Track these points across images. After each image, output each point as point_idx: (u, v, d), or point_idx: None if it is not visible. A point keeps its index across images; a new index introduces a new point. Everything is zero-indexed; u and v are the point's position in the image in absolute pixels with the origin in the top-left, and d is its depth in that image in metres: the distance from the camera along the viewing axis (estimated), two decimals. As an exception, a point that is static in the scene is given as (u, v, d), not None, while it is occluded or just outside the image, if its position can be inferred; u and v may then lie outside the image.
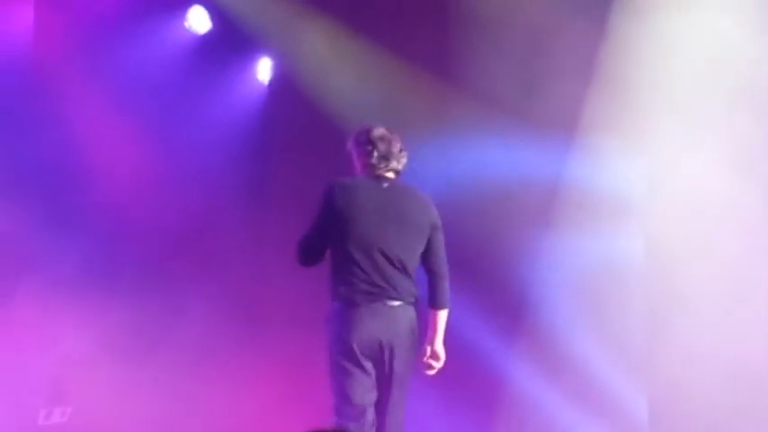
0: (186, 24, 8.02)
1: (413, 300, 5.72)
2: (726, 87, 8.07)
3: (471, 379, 7.99)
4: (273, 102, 8.51)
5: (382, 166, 5.85)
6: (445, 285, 5.79)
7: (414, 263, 5.74)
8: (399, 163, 5.89)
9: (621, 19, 8.22)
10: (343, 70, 8.28)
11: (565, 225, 8.79)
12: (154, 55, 7.89)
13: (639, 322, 8.70)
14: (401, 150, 5.91)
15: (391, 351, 5.66)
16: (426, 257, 5.79)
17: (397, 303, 5.66)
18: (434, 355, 5.72)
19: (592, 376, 8.69)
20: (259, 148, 8.40)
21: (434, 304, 5.79)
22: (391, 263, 5.70)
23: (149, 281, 7.51)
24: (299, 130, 8.38)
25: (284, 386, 7.69)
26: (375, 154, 5.85)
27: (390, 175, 5.86)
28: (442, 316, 5.77)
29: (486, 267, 8.07)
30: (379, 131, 5.92)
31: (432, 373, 5.76)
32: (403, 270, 5.71)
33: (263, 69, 8.42)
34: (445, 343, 5.79)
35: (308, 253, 5.75)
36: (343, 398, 5.67)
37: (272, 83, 8.47)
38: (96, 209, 7.54)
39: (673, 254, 8.41)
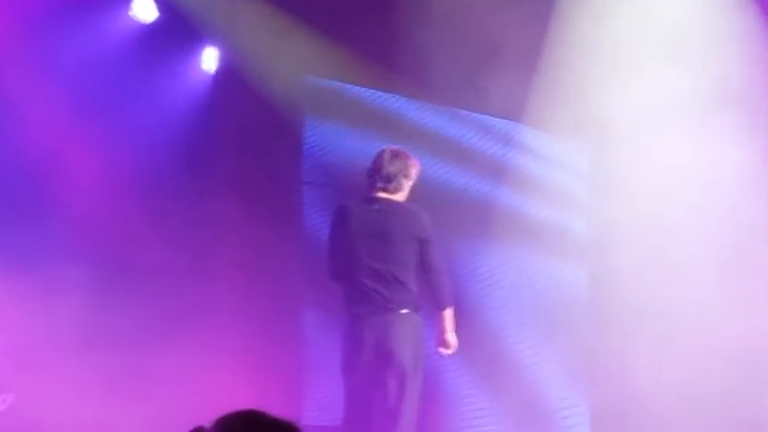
0: (131, 13, 7.91)
1: (411, 307, 6.32)
2: (671, 74, 8.19)
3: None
4: (219, 91, 8.42)
5: (373, 185, 6.44)
6: (438, 291, 6.39)
7: (406, 274, 6.31)
8: (392, 183, 6.42)
9: (568, 9, 8.33)
10: (288, 59, 8.26)
11: (505, 230, 8.90)
12: (98, 45, 7.76)
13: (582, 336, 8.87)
14: (401, 170, 6.44)
15: (391, 356, 6.25)
16: (418, 267, 6.38)
17: (393, 312, 6.28)
18: (443, 343, 6.47)
19: (533, 385, 8.83)
20: (204, 137, 8.29)
21: (433, 307, 6.47)
22: (382, 276, 6.28)
23: (95, 275, 7.46)
24: (245, 118, 8.33)
25: (225, 379, 7.68)
26: (369, 174, 6.49)
27: (381, 194, 6.40)
28: (444, 315, 6.43)
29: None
30: (381, 152, 6.55)
31: (446, 355, 6.58)
32: (395, 281, 6.28)
33: (209, 59, 8.35)
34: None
35: (328, 269, 6.55)
36: (348, 404, 6.41)
37: (217, 72, 8.40)
38: (40, 204, 7.49)
39: (616, 259, 8.54)
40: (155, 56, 7.96)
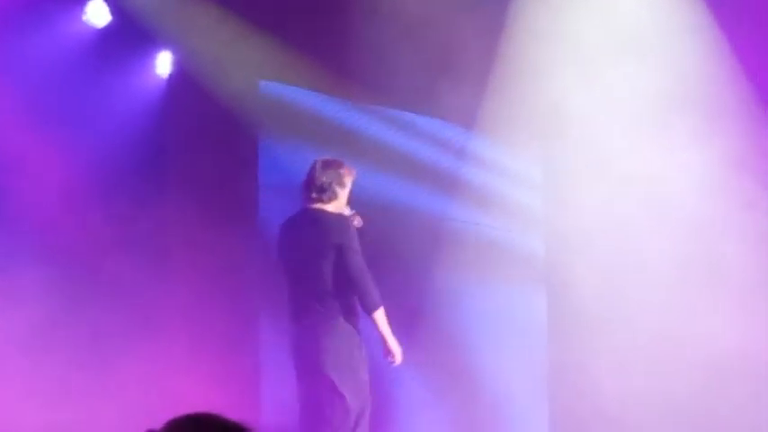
0: (84, 17, 7.91)
1: (339, 316, 6.44)
2: (627, 74, 8.28)
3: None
4: (173, 96, 8.41)
5: (308, 197, 6.59)
6: (361, 296, 6.42)
7: (330, 283, 6.43)
8: (326, 192, 6.54)
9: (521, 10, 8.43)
10: (241, 62, 8.30)
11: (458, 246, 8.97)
12: (52, 49, 7.76)
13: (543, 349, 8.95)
14: (334, 179, 6.55)
15: (322, 368, 6.43)
16: (340, 274, 6.42)
17: (321, 323, 6.43)
18: (386, 353, 6.50)
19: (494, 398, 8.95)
20: (160, 141, 8.29)
21: (364, 312, 6.52)
22: (309, 288, 6.46)
23: (52, 279, 7.44)
24: (199, 122, 8.33)
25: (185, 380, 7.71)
26: (304, 185, 6.65)
27: (316, 205, 6.55)
28: (375, 320, 6.44)
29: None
30: (314, 163, 6.67)
31: (395, 365, 6.58)
32: (322, 293, 6.43)
33: (163, 63, 8.35)
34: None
35: None
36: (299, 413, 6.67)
37: (171, 76, 8.39)
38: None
39: (574, 269, 8.59)
40: (109, 60, 7.95)
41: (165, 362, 7.50)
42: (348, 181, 6.64)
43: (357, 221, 6.75)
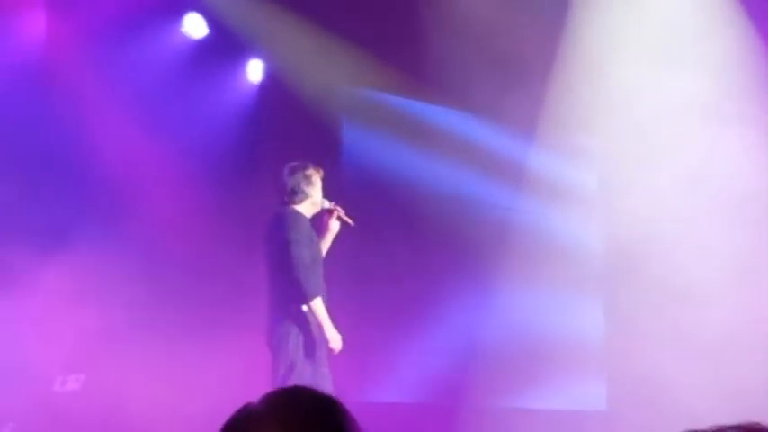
0: (182, 30, 8.49)
1: (289, 307, 6.56)
2: (679, 71, 8.47)
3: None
4: (264, 100, 8.97)
5: (282, 200, 6.80)
6: (297, 286, 6.52)
7: (280, 274, 6.60)
8: (297, 195, 6.75)
9: (579, 18, 8.74)
10: (325, 69, 8.76)
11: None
12: (153, 58, 8.36)
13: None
14: (301, 181, 6.77)
15: (274, 358, 6.63)
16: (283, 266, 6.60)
17: (274, 318, 6.62)
18: (326, 341, 6.55)
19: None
20: (251, 143, 8.79)
21: None
22: (270, 278, 6.72)
23: (154, 264, 8.01)
24: (285, 124, 8.81)
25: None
26: (277, 191, 6.85)
27: (289, 207, 6.74)
28: (311, 308, 6.55)
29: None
30: (282, 169, 6.86)
31: (335, 353, 6.57)
32: (277, 281, 6.65)
33: (254, 70, 8.85)
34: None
35: None
36: None
37: (262, 83, 8.92)
38: (103, 198, 8.09)
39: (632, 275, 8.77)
40: (206, 68, 8.53)
41: (255, 342, 7.99)
42: (316, 179, 6.86)
43: (337, 214, 6.96)
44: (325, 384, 6.54)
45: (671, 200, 8.62)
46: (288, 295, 6.60)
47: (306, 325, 6.64)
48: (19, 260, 7.62)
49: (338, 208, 6.97)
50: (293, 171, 6.86)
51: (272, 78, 8.88)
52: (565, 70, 8.81)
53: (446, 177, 9.12)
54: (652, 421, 7.87)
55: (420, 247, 9.05)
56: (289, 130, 8.77)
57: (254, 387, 3.10)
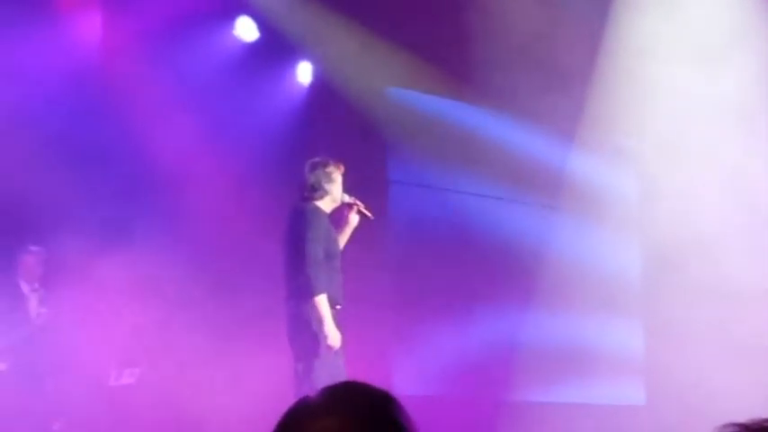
0: (235, 33, 8.73)
1: (299, 299, 6.63)
2: (711, 76, 8.56)
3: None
4: (313, 101, 9.20)
5: (303, 196, 6.85)
6: (305, 281, 6.58)
7: (293, 268, 6.71)
8: (317, 191, 6.81)
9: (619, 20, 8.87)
10: (372, 70, 8.96)
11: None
12: (205, 61, 8.62)
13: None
14: (322, 178, 6.82)
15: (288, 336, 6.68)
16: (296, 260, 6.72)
17: (289, 298, 6.69)
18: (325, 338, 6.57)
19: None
20: (300, 141, 8.93)
21: None
22: (285, 270, 6.79)
23: (208, 261, 8.27)
24: (334, 125, 9.01)
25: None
26: (299, 187, 6.87)
27: (310, 203, 6.81)
28: (315, 303, 6.56)
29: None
30: (305, 166, 6.91)
31: (334, 349, 6.55)
32: (290, 274, 6.74)
33: (304, 72, 9.08)
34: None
35: None
36: None
37: (312, 84, 9.15)
38: (159, 196, 8.33)
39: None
40: (256, 70, 8.76)
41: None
42: (337, 176, 6.92)
43: (357, 208, 7.01)
44: (342, 377, 6.59)
45: (710, 201, 8.71)
46: (301, 289, 6.70)
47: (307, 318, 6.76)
48: (76, 257, 7.90)
49: (358, 202, 7.02)
50: (314, 167, 6.93)
51: (320, 80, 9.11)
52: (604, 73, 8.97)
53: (487, 182, 9.30)
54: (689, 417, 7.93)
55: (465, 256, 9.28)
56: (336, 130, 8.95)
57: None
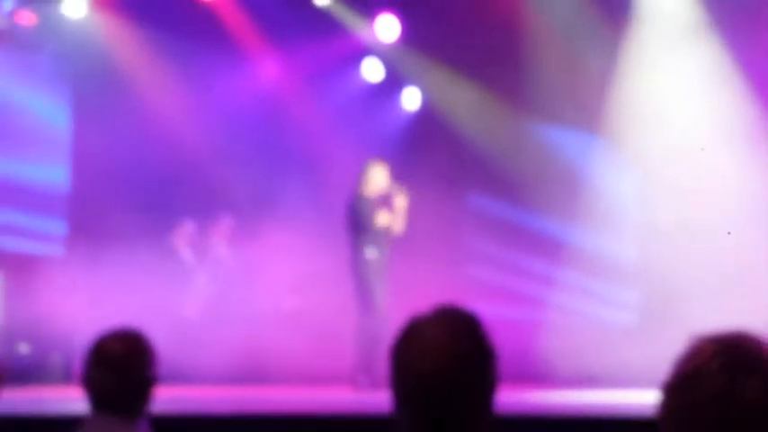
0: (361, 74, 10.88)
1: (361, 254, 8.35)
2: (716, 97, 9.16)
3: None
4: (418, 126, 11.15)
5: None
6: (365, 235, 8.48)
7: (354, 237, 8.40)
8: (359, 185, 8.51)
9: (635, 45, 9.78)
10: (462, 103, 10.74)
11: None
12: (339, 95, 10.95)
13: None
14: (362, 174, 8.53)
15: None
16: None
17: (355, 261, 8.54)
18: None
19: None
20: (408, 164, 10.04)
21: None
22: (349, 240, 8.55)
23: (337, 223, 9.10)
24: (437, 147, 10.67)
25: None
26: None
27: (354, 192, 8.64)
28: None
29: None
30: None
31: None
32: (353, 241, 8.49)
33: (409, 99, 10.93)
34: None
35: None
36: None
37: (417, 113, 11.00)
38: (301, 185, 10.62)
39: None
40: (374, 101, 10.87)
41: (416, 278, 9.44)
42: (370, 171, 8.44)
43: (402, 194, 8.39)
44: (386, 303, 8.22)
45: (704, 215, 9.00)
46: (355, 245, 8.30)
47: (371, 265, 8.30)
48: (245, 222, 10.30)
49: (403, 189, 8.47)
50: (365, 165, 8.49)
51: (424, 109, 10.92)
52: (620, 89, 9.91)
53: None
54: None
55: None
56: (436, 152, 10.65)
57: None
